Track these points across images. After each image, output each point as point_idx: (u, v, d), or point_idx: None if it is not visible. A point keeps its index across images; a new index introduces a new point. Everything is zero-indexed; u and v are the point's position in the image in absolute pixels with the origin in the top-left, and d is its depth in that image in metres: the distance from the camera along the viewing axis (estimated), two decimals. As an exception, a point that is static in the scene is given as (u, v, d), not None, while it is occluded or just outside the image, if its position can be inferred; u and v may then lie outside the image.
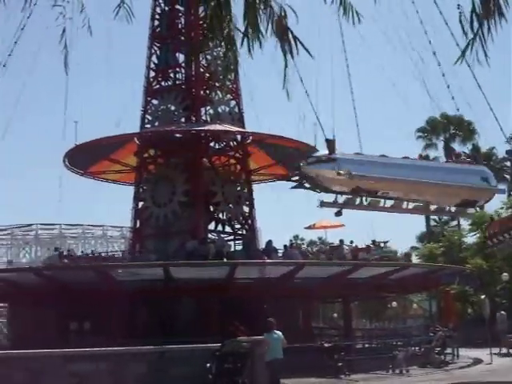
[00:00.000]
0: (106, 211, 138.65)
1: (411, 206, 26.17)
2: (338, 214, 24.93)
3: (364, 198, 24.79)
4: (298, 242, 74.05)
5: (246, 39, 5.81)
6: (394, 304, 73.18)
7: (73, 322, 34.49)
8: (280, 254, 37.54)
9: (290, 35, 5.97)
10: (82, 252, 58.17)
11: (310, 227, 55.15)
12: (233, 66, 6.39)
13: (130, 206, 42.85)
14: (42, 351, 20.64)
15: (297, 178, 24.99)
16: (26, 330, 35.17)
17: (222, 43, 6.16)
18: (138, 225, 42.68)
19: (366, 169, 23.76)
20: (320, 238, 79.44)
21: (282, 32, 5.94)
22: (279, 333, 20.47)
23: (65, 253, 42.48)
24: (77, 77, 34.28)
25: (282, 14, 5.95)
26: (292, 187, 25.56)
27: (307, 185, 24.25)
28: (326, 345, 32.36)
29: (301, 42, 6.04)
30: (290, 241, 45.87)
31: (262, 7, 5.83)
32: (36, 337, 31.11)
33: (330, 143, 23.42)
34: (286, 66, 6.08)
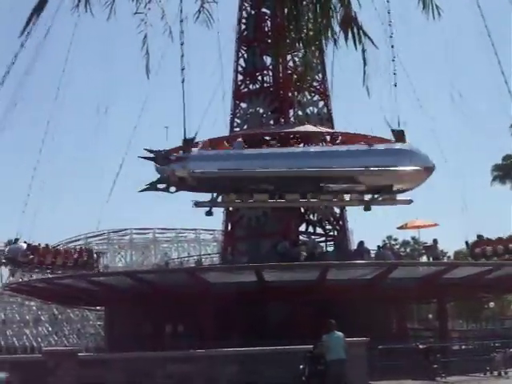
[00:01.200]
0: (198, 215, 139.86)
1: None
2: (209, 213, 22.78)
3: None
4: (391, 242, 73.20)
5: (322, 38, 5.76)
6: (492, 304, 71.37)
7: (167, 324, 35.02)
8: (372, 255, 37.13)
9: (355, 26, 5.87)
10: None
11: (402, 227, 54.28)
12: (312, 66, 6.34)
13: (222, 208, 43.12)
14: (138, 353, 21.10)
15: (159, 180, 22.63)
16: (123, 332, 35.91)
17: (301, 44, 6.12)
18: (229, 227, 42.96)
19: (219, 164, 21.40)
20: (413, 238, 78.16)
21: (347, 23, 5.85)
22: (340, 334, 20.13)
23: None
24: (165, 81, 34.77)
25: (346, 3, 5.85)
26: (140, 190, 23.11)
27: (160, 186, 22.33)
28: (420, 346, 31.77)
29: (365, 32, 5.92)
30: (383, 241, 45.36)
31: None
32: (132, 339, 31.76)
33: (187, 142, 21.90)
34: (364, 64, 5.98)
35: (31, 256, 35.96)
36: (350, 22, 5.82)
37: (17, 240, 35.80)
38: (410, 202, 22.30)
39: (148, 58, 8.10)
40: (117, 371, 19.86)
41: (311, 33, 5.92)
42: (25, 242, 36.16)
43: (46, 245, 38.69)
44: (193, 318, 32.74)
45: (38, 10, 7.61)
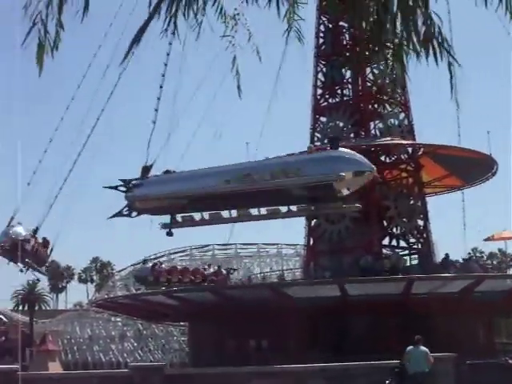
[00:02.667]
0: (281, 230, 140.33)
1: (263, 211, 23.21)
2: (169, 234, 22.57)
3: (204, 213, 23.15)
4: (477, 254, 71.70)
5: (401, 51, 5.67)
6: None
7: (251, 339, 35.04)
8: (458, 268, 36.41)
9: (435, 42, 5.73)
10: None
11: (489, 239, 53.04)
12: (399, 79, 6.26)
13: (303, 223, 43.08)
14: (222, 369, 21.16)
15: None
16: (207, 348, 36.12)
17: (387, 56, 6.05)
18: (311, 242, 42.83)
19: (166, 187, 21.72)
20: (500, 250, 76.38)
21: (427, 39, 5.72)
22: (425, 348, 19.90)
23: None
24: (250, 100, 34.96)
25: (429, 21, 5.73)
26: (108, 218, 23.77)
27: (124, 212, 22.92)
28: (510, 361, 30.89)
29: (447, 50, 5.78)
30: (469, 254, 44.39)
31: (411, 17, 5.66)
32: (216, 355, 31.92)
33: (144, 169, 21.91)
34: (451, 76, 5.84)
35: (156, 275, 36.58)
36: (431, 38, 5.70)
37: (145, 261, 37.05)
38: (356, 208, 22.43)
39: (239, 78, 8.21)
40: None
41: (392, 45, 5.84)
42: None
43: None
44: (276, 332, 32.70)
45: (136, 41, 7.75)
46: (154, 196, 21.91)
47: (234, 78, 8.23)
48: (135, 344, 77.26)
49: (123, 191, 21.91)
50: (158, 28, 7.33)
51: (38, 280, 70.72)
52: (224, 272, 39.15)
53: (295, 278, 47.97)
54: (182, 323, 61.28)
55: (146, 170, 22.54)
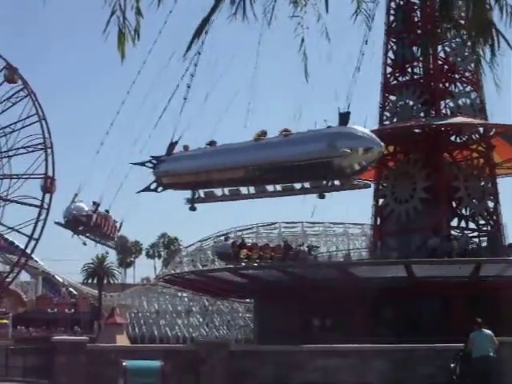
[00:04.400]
0: (346, 209, 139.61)
1: (278, 187, 23.06)
2: (192, 208, 23.69)
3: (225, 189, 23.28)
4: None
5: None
6: None
7: (315, 318, 35.05)
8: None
9: (494, 29, 5.54)
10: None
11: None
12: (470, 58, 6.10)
13: (371, 203, 42.75)
14: (287, 346, 21.19)
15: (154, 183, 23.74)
16: (271, 325, 36.25)
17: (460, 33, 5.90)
18: (378, 222, 42.47)
19: (191, 163, 22.63)
20: None
21: (484, 26, 5.53)
22: (489, 332, 19.47)
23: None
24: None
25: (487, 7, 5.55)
26: (137, 192, 24.30)
27: (152, 187, 23.45)
28: None
29: (504, 37, 5.59)
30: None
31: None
32: (280, 332, 31.98)
33: (171, 146, 23.06)
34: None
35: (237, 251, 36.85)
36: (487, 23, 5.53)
37: (227, 238, 37.49)
38: (368, 185, 22.55)
39: (306, 61, 8.09)
40: (266, 363, 20.01)
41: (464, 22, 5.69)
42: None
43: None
44: (341, 312, 32.60)
45: (198, 32, 7.75)
46: (175, 172, 22.54)
47: (302, 61, 8.11)
48: (201, 319, 78.19)
49: (150, 167, 22.60)
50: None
51: (107, 253, 72.01)
52: (305, 249, 39.05)
53: (361, 258, 47.68)
54: (247, 300, 61.72)
55: (172, 146, 23.15)
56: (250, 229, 68.88)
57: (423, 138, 40.85)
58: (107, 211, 29.24)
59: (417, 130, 41.63)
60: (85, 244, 29.33)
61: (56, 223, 29.49)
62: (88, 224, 28.17)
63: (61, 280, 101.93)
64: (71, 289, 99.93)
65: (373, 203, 42.48)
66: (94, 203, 28.37)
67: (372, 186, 43.07)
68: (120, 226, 30.15)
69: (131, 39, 5.66)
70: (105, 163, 30.78)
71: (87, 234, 29.11)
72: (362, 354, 20.32)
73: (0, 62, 55.51)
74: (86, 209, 28.42)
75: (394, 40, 43.14)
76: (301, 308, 35.22)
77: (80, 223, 27.98)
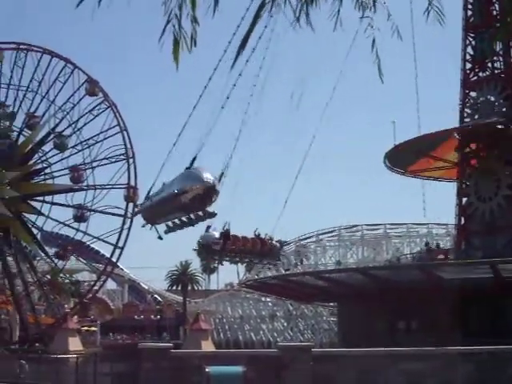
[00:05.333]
0: (430, 209, 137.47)
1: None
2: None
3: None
4: None
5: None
6: None
7: (400, 321, 34.55)
8: None
9: None
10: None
11: None
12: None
13: (454, 202, 41.95)
14: (369, 350, 20.90)
15: None
16: (355, 328, 35.94)
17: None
18: (462, 221, 41.62)
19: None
20: None
21: None
22: None
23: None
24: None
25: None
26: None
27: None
28: None
29: None
30: None
31: None
32: (365, 335, 31.66)
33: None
34: None
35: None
36: None
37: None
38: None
39: (379, 62, 7.92)
40: (349, 367, 19.80)
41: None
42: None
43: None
44: (426, 314, 32.08)
45: (242, 47, 7.74)
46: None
47: (374, 62, 7.96)
48: (285, 324, 78.08)
49: None
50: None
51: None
52: (277, 244, 38.29)
53: (447, 259, 46.81)
54: (331, 304, 61.34)
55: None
56: (331, 232, 68.49)
57: (506, 134, 39.82)
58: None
59: (499, 126, 40.62)
60: (160, 238, 31.53)
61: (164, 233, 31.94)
62: (217, 251, 31.13)
63: (146, 287, 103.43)
64: (156, 296, 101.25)
65: (456, 202, 41.68)
66: (222, 233, 30.51)
67: (455, 185, 42.31)
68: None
69: (187, 47, 5.67)
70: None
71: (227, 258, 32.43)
72: (447, 357, 19.86)
73: (81, 76, 56.74)
74: (216, 236, 30.54)
75: (472, 35, 42.25)
76: (385, 311, 34.83)
77: (213, 252, 31.56)
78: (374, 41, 7.71)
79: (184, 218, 28.41)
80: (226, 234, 31.45)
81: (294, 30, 6.77)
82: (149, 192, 29.64)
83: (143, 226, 30.33)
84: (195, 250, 31.78)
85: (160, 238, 29.99)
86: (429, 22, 7.16)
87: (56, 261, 56.60)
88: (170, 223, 29.10)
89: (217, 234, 30.33)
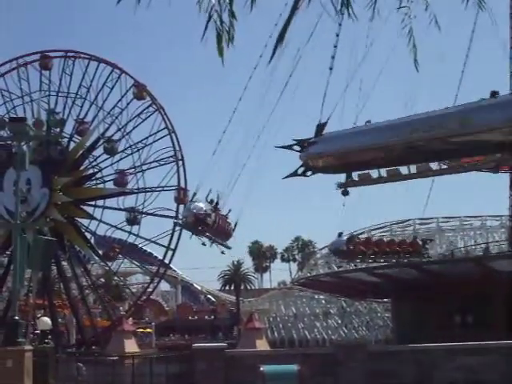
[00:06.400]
0: (484, 201, 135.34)
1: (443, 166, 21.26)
2: (345, 193, 22.82)
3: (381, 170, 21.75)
4: None
5: None
6: None
7: (455, 315, 34.11)
8: None
9: None
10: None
11: None
12: None
13: (507, 193, 41.30)
14: (426, 345, 20.67)
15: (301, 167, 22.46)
16: (410, 323, 35.58)
17: None
18: (516, 212, 40.98)
19: (344, 142, 21.25)
20: None
21: None
22: None
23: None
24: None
25: None
26: (284, 177, 23.33)
27: (299, 171, 22.45)
28: None
29: None
30: None
31: None
32: (420, 330, 31.34)
33: (319, 127, 21.78)
34: None
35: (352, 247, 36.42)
36: None
37: (341, 234, 37.14)
38: None
39: (415, 52, 7.84)
40: (406, 363, 19.62)
41: None
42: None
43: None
44: (482, 308, 31.61)
45: (280, 40, 7.75)
46: (328, 153, 21.83)
47: (411, 52, 7.89)
48: (339, 321, 77.77)
49: (298, 150, 22.05)
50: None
51: (239, 262, 73.05)
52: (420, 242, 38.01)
53: (501, 251, 46.05)
54: (385, 300, 60.88)
55: (321, 127, 22.41)
56: (383, 227, 67.95)
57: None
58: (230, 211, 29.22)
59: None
60: (204, 244, 29.27)
61: (175, 224, 29.67)
62: (207, 223, 27.96)
63: (199, 288, 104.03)
64: (209, 296, 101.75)
65: (510, 193, 41.05)
66: (211, 202, 28.11)
67: (508, 175, 41.67)
68: (235, 225, 29.86)
69: (226, 42, 5.68)
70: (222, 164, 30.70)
71: (207, 234, 28.94)
72: (505, 351, 19.52)
73: (128, 80, 57.26)
74: (205, 208, 28.21)
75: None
76: (439, 305, 34.43)
77: (199, 222, 27.79)
78: (410, 30, 7.64)
79: None
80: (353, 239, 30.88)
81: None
82: (194, 195, 27.84)
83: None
84: (177, 224, 29.07)
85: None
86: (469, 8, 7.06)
87: (110, 264, 57.24)
88: None
89: (204, 206, 28.19)
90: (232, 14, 5.69)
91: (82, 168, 57.26)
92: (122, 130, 56.75)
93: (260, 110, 26.14)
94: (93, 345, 53.43)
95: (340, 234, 38.85)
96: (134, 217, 55.22)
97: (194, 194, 28.33)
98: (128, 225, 55.44)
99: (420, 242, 37.47)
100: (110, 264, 56.85)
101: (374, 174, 22.43)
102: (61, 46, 61.72)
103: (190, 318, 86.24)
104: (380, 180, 22.54)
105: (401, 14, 7.71)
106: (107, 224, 56.02)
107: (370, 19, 7.60)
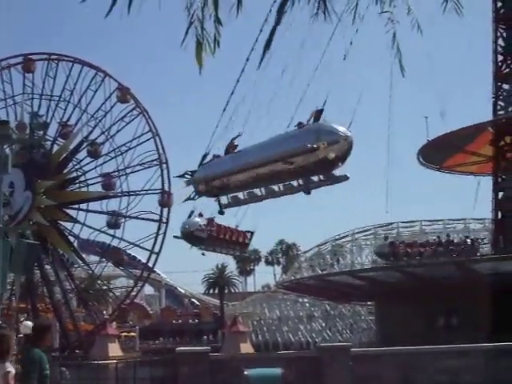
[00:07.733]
0: (465, 204, 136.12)
1: (281, 187, 22.24)
2: (220, 212, 24.59)
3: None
4: None
5: None
6: None
7: (439, 317, 34.21)
8: None
9: None
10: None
11: None
12: None
13: (490, 197, 41.54)
14: (409, 348, 20.71)
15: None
16: (394, 326, 35.67)
17: None
18: (499, 216, 41.15)
19: (212, 169, 22.93)
20: None
21: None
22: None
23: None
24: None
25: None
26: (182, 202, 25.39)
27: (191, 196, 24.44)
28: None
29: None
30: None
31: None
32: (403, 333, 31.41)
33: (203, 157, 23.33)
34: None
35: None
36: None
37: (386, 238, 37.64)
38: (346, 178, 21.61)
39: (400, 56, 7.84)
40: (389, 366, 19.65)
41: None
42: None
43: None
44: (465, 310, 31.72)
45: (267, 46, 7.77)
46: (201, 179, 23.43)
47: (395, 57, 7.89)
48: (323, 324, 77.82)
49: (187, 178, 23.47)
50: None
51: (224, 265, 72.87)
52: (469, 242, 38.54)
53: (484, 254, 46.30)
54: (369, 302, 60.98)
55: (204, 157, 23.79)
56: (366, 231, 68.11)
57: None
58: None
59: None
60: (203, 254, 29.51)
61: (175, 237, 29.88)
62: (203, 239, 28.39)
63: (183, 291, 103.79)
64: (193, 299, 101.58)
65: (492, 197, 41.24)
66: (201, 215, 28.50)
67: (490, 179, 41.88)
68: (252, 234, 30.13)
69: (209, 49, 5.62)
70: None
71: (209, 248, 29.49)
72: (489, 353, 19.60)
73: (112, 83, 57.11)
74: (201, 223, 28.54)
75: (503, 27, 41.74)
76: (424, 308, 34.53)
77: (197, 238, 28.39)
78: (394, 35, 7.64)
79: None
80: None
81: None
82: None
83: (175, 237, 27.45)
84: (175, 237, 29.91)
85: (221, 212, 25.59)
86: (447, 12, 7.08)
87: (93, 267, 57.07)
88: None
89: (200, 221, 28.73)
90: (218, 20, 5.64)
91: (65, 171, 57.12)
92: (106, 133, 56.72)
93: (248, 115, 26.30)
94: (76, 349, 53.27)
95: (386, 238, 39.57)
96: (115, 220, 55.13)
97: (192, 212, 29.02)
98: (110, 228, 55.34)
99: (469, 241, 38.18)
100: (93, 267, 56.82)
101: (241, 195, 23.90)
102: (45, 49, 61.61)
103: (173, 321, 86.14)
104: (245, 201, 23.80)
105: (384, 19, 7.72)
106: (91, 227, 55.99)
107: (352, 23, 7.62)
